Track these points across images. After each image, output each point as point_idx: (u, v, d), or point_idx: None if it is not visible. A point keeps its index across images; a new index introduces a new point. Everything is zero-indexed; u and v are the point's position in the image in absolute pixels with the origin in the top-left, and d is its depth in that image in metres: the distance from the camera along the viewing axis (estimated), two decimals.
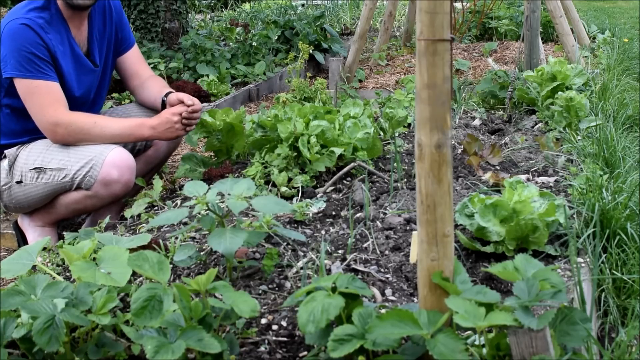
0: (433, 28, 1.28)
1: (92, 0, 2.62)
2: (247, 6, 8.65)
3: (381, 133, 3.28)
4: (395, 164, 2.71)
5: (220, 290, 1.51)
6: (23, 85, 2.53)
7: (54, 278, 1.75)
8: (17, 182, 2.62)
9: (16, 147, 2.67)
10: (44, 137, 2.62)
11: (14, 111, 2.64)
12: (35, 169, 2.59)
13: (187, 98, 2.73)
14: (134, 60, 2.94)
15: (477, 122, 3.64)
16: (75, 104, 2.68)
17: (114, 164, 2.53)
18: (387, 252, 2.07)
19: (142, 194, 2.71)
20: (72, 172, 2.55)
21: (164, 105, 2.81)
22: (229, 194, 1.85)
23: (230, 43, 5.74)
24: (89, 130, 2.57)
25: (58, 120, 2.54)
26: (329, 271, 1.94)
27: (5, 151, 2.67)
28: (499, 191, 2.34)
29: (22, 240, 2.82)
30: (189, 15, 6.96)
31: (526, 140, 3.18)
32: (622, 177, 2.53)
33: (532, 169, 2.77)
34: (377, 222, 2.27)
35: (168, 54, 5.18)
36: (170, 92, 2.82)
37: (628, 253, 2.04)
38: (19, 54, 2.49)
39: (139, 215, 2.55)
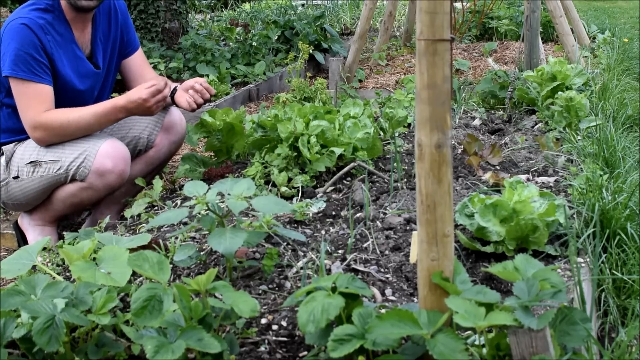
0: (433, 28, 1.28)
1: (97, 1, 2.62)
2: (247, 6, 8.65)
3: (381, 133, 3.28)
4: (395, 164, 2.71)
5: (220, 290, 1.51)
6: (15, 85, 2.55)
7: (54, 278, 1.75)
8: (14, 178, 2.64)
9: (13, 143, 2.68)
10: None
11: (14, 111, 2.65)
12: (30, 162, 2.60)
13: (195, 82, 2.75)
14: (139, 63, 2.93)
15: (477, 122, 3.64)
16: (81, 99, 2.69)
17: (107, 154, 2.54)
18: (387, 252, 2.07)
19: (142, 194, 2.71)
20: (66, 164, 2.56)
21: (172, 95, 2.81)
22: (229, 194, 1.85)
23: (230, 43, 5.74)
24: (65, 128, 2.55)
25: (35, 122, 2.54)
26: (329, 271, 1.94)
27: (3, 147, 2.69)
28: (499, 191, 2.34)
29: (22, 240, 2.82)
30: (189, 15, 6.96)
31: (526, 140, 3.18)
32: (622, 177, 2.53)
33: (532, 169, 2.77)
34: (377, 222, 2.27)
35: (168, 54, 5.18)
36: (177, 87, 2.83)
37: (628, 253, 2.04)
38: (15, 53, 2.51)
39: (139, 215, 2.55)
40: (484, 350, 1.38)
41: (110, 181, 2.58)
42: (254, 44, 5.54)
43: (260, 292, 1.86)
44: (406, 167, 2.83)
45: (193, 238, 2.20)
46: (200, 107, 2.78)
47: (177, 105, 2.84)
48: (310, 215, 2.35)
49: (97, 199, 2.69)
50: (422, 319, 1.33)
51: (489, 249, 2.02)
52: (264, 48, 5.59)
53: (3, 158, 2.67)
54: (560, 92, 3.41)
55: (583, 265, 1.91)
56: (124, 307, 1.76)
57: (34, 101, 2.54)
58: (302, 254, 2.05)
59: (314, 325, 1.37)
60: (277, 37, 5.87)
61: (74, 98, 2.68)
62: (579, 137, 3.13)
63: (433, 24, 1.27)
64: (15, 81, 2.54)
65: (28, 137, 2.66)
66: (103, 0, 2.69)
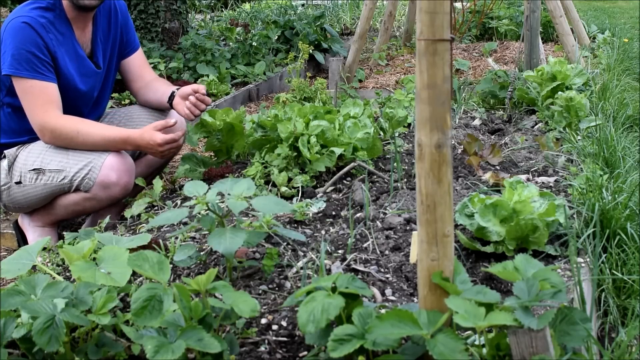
0: (433, 28, 1.28)
1: (98, 0, 2.62)
2: (247, 6, 8.65)
3: (381, 133, 3.28)
4: (395, 164, 2.71)
5: (220, 290, 1.51)
6: (19, 84, 2.53)
7: (54, 278, 1.75)
8: (16, 183, 2.62)
9: (16, 147, 2.67)
10: None
11: (15, 110, 2.64)
12: (34, 170, 2.59)
13: (192, 91, 2.73)
14: (138, 63, 2.93)
15: (477, 122, 3.64)
16: (82, 98, 2.69)
17: (112, 166, 2.53)
18: (387, 252, 2.06)
19: (142, 194, 2.71)
20: (71, 174, 2.55)
21: (171, 101, 2.81)
22: (229, 194, 1.85)
23: (230, 43, 5.74)
24: (72, 139, 2.56)
25: (45, 123, 2.54)
26: (329, 271, 1.94)
27: (5, 151, 2.67)
28: (499, 191, 2.34)
29: (22, 240, 2.82)
30: (189, 15, 6.96)
31: (526, 140, 3.18)
32: (622, 177, 2.53)
33: (532, 169, 2.77)
34: (377, 222, 2.27)
35: (168, 54, 5.18)
36: (175, 92, 2.82)
37: (628, 253, 2.04)
38: (18, 52, 2.49)
39: (139, 215, 2.55)
40: (484, 350, 1.38)
41: (114, 193, 2.57)
42: (254, 44, 5.54)
43: (260, 292, 1.86)
44: (406, 167, 2.83)
45: (193, 238, 2.20)
46: (197, 118, 2.79)
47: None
48: (310, 215, 2.35)
49: (99, 209, 2.69)
50: (422, 319, 1.32)
51: (489, 249, 2.02)
52: (264, 48, 5.59)
53: (5, 161, 2.65)
54: (560, 92, 3.41)
55: (583, 265, 1.91)
56: (124, 307, 1.76)
57: (40, 100, 2.53)
58: (302, 254, 2.05)
59: (314, 325, 1.37)
60: (277, 37, 5.87)
61: (75, 99, 2.67)
62: (579, 137, 3.13)
63: (433, 24, 1.27)
64: (18, 80, 2.52)
65: (30, 139, 2.66)
66: (104, 0, 2.69)
